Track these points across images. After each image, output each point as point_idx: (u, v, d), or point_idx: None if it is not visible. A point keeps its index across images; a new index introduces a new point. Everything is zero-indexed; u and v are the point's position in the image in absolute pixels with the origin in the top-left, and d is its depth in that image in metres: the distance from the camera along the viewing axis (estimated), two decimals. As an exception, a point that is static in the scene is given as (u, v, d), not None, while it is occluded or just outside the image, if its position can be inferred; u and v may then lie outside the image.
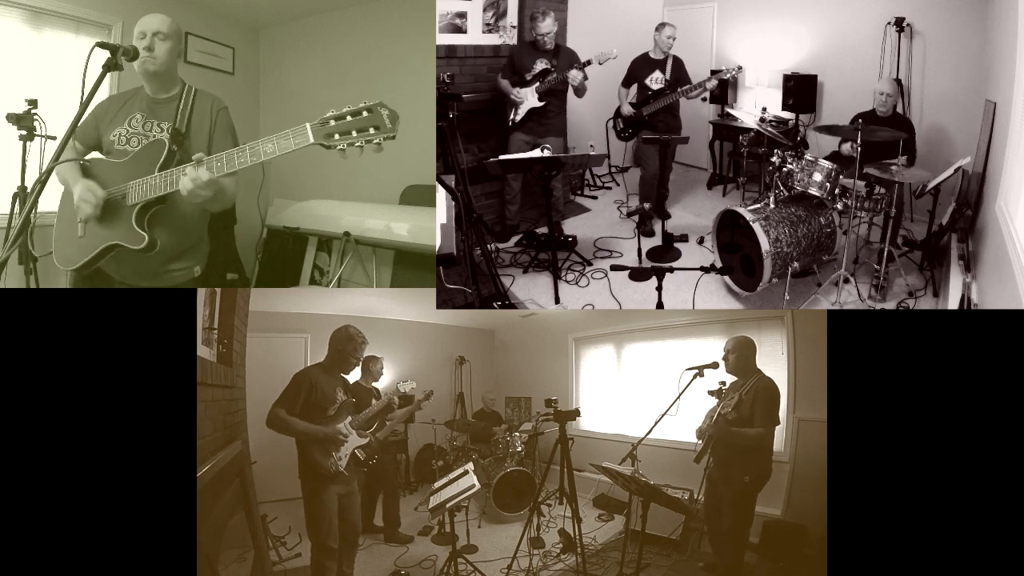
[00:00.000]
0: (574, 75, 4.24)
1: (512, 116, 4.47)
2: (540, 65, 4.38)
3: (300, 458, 2.86)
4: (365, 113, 1.94)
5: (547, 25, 4.31)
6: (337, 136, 1.93)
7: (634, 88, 4.83)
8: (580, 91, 4.44)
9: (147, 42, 2.40)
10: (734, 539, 2.95)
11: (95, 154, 2.58)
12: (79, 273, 2.49)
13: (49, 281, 3.36)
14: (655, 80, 4.70)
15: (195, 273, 2.66)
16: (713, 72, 5.10)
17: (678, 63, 4.70)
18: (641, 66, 4.73)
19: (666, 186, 4.92)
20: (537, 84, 4.37)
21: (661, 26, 4.68)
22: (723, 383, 3.13)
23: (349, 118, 1.94)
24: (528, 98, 4.40)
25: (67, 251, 2.46)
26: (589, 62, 4.29)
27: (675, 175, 5.25)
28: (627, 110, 4.81)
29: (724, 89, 5.57)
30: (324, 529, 2.80)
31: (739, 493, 2.88)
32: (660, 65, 4.69)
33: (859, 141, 3.43)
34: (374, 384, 4.01)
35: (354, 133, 1.93)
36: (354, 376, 4.01)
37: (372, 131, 1.93)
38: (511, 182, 4.74)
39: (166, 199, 2.32)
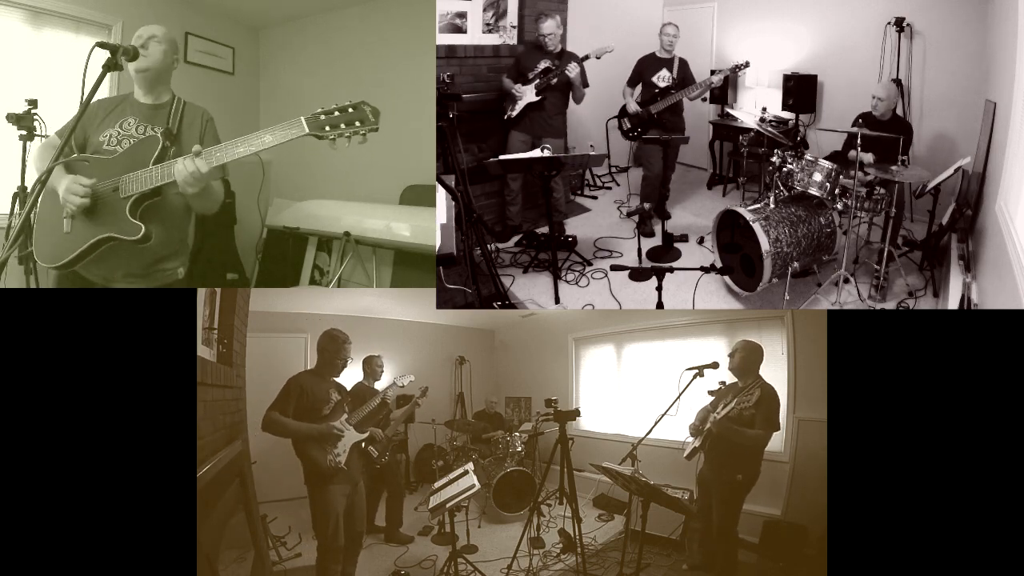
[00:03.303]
0: (572, 67, 4.28)
1: (509, 112, 4.48)
2: (544, 64, 4.41)
3: (301, 460, 2.89)
4: (351, 109, 2.15)
5: (549, 27, 4.35)
6: (328, 128, 2.13)
7: (638, 88, 4.85)
8: (579, 96, 4.50)
9: (142, 41, 2.47)
10: (726, 537, 2.98)
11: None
12: (64, 270, 2.45)
13: (50, 281, 3.37)
14: (662, 79, 4.74)
15: (179, 275, 2.68)
16: (713, 72, 5.11)
17: (684, 64, 4.77)
18: (648, 65, 4.79)
19: (667, 186, 4.92)
20: (537, 81, 4.40)
21: (664, 26, 4.76)
22: (723, 383, 3.15)
23: (337, 113, 2.15)
24: (526, 94, 4.42)
25: (51, 248, 2.42)
26: (587, 57, 4.34)
27: (675, 175, 5.24)
28: (633, 108, 4.82)
29: (724, 89, 5.58)
30: (331, 529, 2.81)
31: (730, 491, 2.92)
32: (667, 64, 4.74)
33: (859, 142, 3.43)
34: (376, 384, 4.01)
35: (343, 126, 2.14)
36: (357, 377, 4.03)
37: (358, 124, 2.15)
38: (510, 183, 4.74)
39: (160, 191, 2.34)
